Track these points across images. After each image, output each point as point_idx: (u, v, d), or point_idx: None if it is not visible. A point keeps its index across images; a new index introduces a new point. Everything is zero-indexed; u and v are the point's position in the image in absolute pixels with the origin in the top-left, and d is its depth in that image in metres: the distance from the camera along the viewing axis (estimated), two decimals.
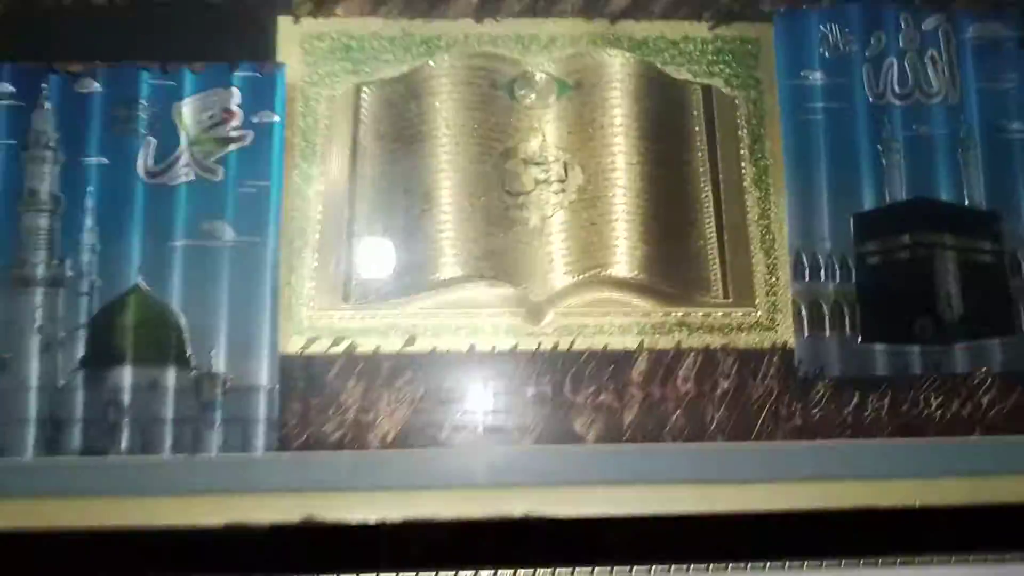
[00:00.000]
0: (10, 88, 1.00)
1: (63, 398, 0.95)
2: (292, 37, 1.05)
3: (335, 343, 0.99)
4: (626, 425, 1.00)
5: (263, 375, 0.97)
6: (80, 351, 0.96)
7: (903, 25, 1.11)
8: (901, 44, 1.11)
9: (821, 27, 1.10)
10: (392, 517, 0.93)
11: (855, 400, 1.02)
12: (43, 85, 1.00)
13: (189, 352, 0.96)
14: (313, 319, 1.00)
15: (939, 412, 1.03)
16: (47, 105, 1.00)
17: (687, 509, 0.97)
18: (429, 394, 0.99)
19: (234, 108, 1.01)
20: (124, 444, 0.94)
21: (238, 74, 1.02)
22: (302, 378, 0.98)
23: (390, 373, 0.99)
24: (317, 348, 0.99)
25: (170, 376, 0.96)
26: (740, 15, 1.10)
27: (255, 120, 1.01)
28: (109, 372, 0.96)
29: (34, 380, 0.95)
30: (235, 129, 1.01)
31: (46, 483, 0.93)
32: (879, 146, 1.08)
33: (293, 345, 0.99)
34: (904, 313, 1.05)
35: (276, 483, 0.94)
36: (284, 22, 1.05)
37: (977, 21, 1.12)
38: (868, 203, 1.07)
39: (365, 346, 1.00)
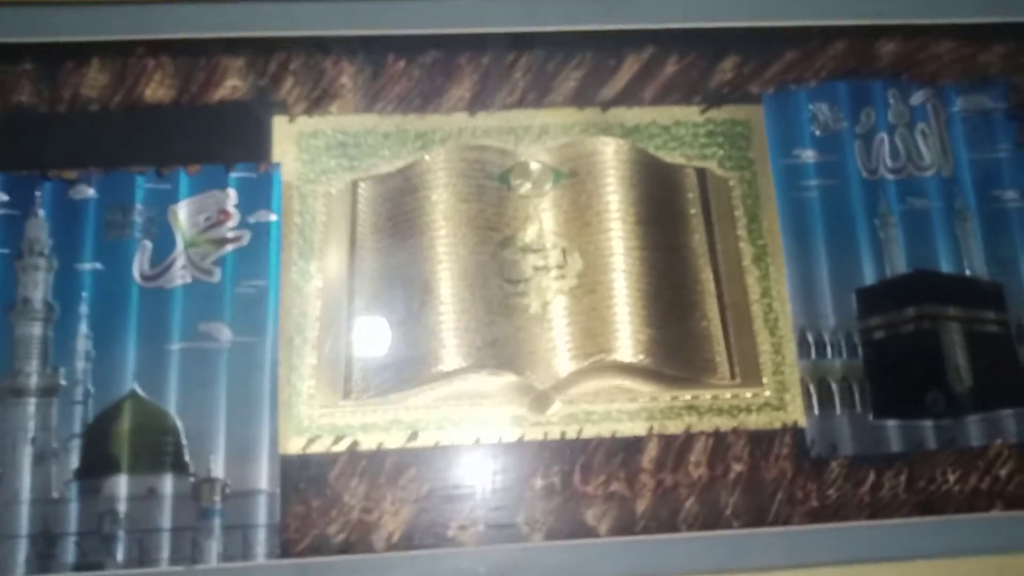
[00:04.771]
0: (4, 197, 1.00)
1: (57, 511, 0.92)
2: (287, 136, 1.06)
3: (336, 441, 0.97)
4: (639, 515, 0.97)
5: (263, 478, 0.94)
6: (75, 461, 0.93)
7: (891, 101, 1.13)
8: (890, 119, 1.12)
9: (810, 106, 1.11)
10: None
11: (871, 479, 1.00)
12: (37, 192, 1.00)
13: (187, 458, 0.94)
14: (313, 417, 0.97)
15: (958, 488, 1.00)
16: (41, 212, 1.00)
17: None
18: (434, 491, 0.97)
19: (230, 209, 1.01)
20: (120, 557, 0.91)
21: (233, 175, 1.02)
22: (304, 479, 0.95)
23: (393, 470, 0.97)
24: (318, 447, 0.97)
25: (167, 483, 0.93)
26: (729, 98, 1.11)
27: (251, 220, 1.00)
28: (104, 482, 0.93)
29: (26, 494, 0.92)
30: (231, 230, 1.00)
31: None
32: (876, 220, 1.08)
33: (294, 445, 0.96)
34: (914, 387, 1.04)
35: None
36: (279, 122, 1.06)
37: (963, 94, 1.14)
38: (869, 278, 1.06)
39: (367, 443, 0.97)
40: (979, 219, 1.09)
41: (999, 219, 1.10)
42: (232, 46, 1.07)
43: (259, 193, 1.01)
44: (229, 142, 1.05)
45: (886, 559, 0.96)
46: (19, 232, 0.99)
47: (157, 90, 1.06)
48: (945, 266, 1.08)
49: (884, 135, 1.11)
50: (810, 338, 1.04)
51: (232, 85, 1.07)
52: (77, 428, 0.94)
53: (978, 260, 1.08)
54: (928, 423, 1.02)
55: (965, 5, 1.16)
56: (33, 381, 0.95)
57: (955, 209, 1.10)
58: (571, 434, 0.99)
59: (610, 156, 1.07)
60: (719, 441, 1.00)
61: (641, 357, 1.00)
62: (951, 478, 1.01)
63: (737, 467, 0.99)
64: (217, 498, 0.93)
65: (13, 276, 0.98)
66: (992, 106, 1.14)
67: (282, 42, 1.08)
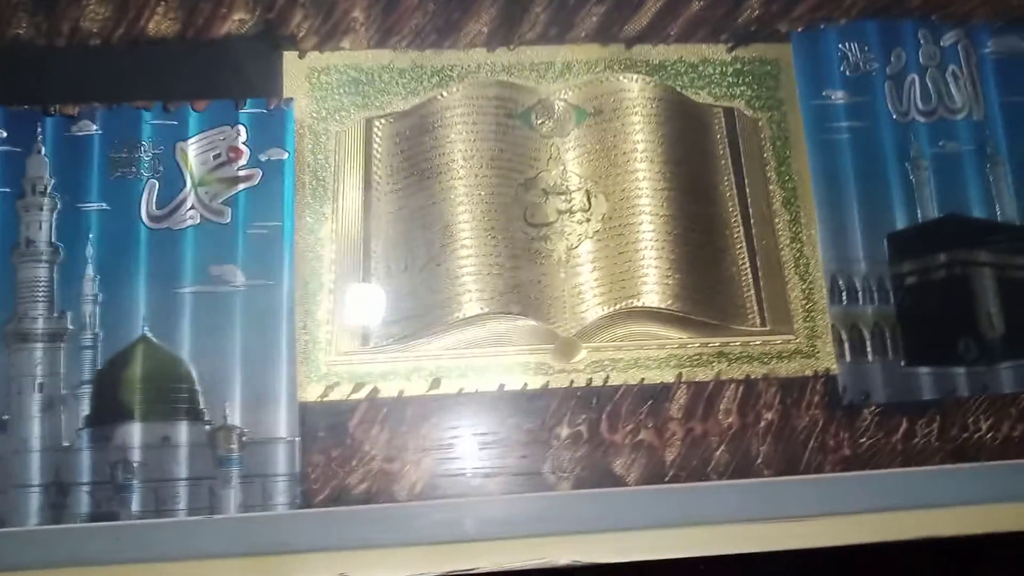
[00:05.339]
0: (3, 133, 0.95)
1: (68, 460, 0.88)
2: (298, 72, 1.01)
3: (356, 389, 0.94)
4: (668, 464, 0.94)
5: (282, 426, 0.90)
6: (85, 409, 0.90)
7: (922, 41, 1.09)
8: (921, 60, 1.08)
9: (840, 46, 1.07)
10: (429, 572, 0.86)
11: (904, 426, 0.98)
12: (38, 129, 0.95)
13: (202, 405, 0.90)
14: (331, 364, 0.94)
15: (990, 435, 0.99)
16: (42, 149, 0.95)
17: (738, 549, 0.91)
18: (458, 439, 0.94)
19: (240, 146, 0.96)
20: (135, 507, 0.88)
21: (244, 111, 0.97)
22: (322, 428, 0.92)
23: (416, 418, 0.94)
24: (337, 395, 0.93)
25: (182, 431, 0.89)
26: (757, 36, 1.07)
27: (263, 158, 0.96)
28: (116, 430, 0.89)
29: (36, 442, 0.88)
30: (242, 168, 0.96)
31: (52, 553, 0.86)
32: (907, 164, 1.05)
33: (311, 393, 0.93)
34: (946, 334, 1.01)
35: (302, 542, 0.88)
36: (289, 57, 1.01)
37: (995, 35, 1.10)
38: (900, 222, 1.03)
39: (388, 390, 0.94)
40: (1011, 163, 1.06)
41: None
42: None
43: (270, 130, 0.97)
44: (237, 78, 1.00)
45: (919, 507, 0.94)
46: (20, 170, 0.94)
47: (161, 23, 1.01)
48: (977, 211, 1.05)
49: (915, 76, 1.08)
50: (841, 284, 1.01)
51: (239, 18, 1.02)
52: (86, 374, 0.90)
53: (1010, 205, 1.05)
54: (960, 370, 1.00)
55: None
56: (39, 325, 0.91)
57: (987, 153, 1.07)
58: (597, 381, 0.96)
59: (636, 94, 1.03)
60: (749, 388, 0.97)
61: (669, 302, 0.97)
62: (984, 425, 0.99)
63: (768, 415, 0.97)
64: (234, 446, 0.89)
65: (15, 216, 0.93)
66: None
67: None
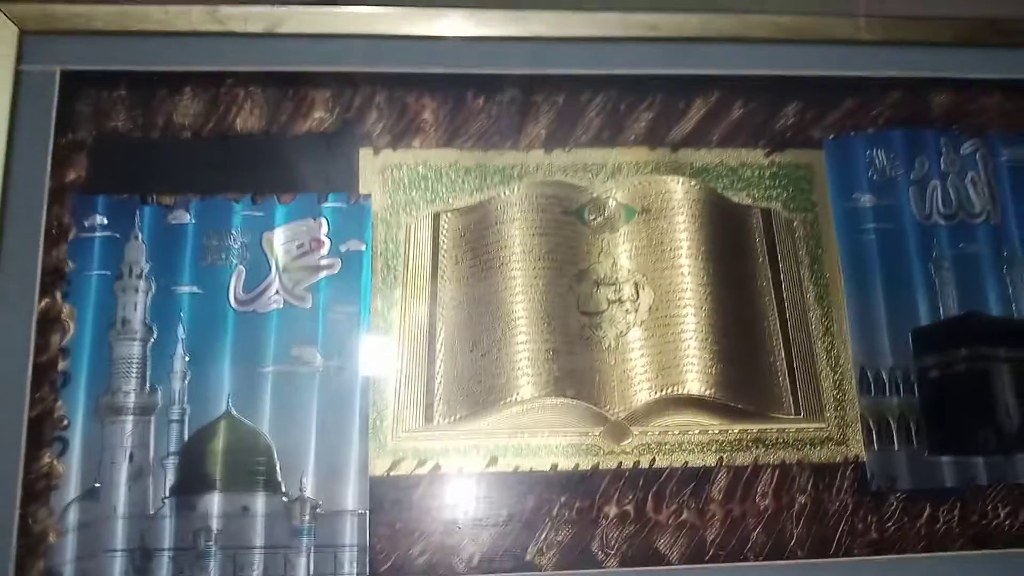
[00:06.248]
0: (104, 220, 1.03)
1: (153, 526, 0.95)
2: (373, 168, 1.09)
3: (419, 465, 1.01)
4: (709, 543, 1.01)
5: (351, 499, 0.97)
6: (171, 478, 0.96)
7: (943, 149, 1.18)
8: (943, 167, 1.17)
9: (868, 152, 1.17)
10: None
11: (927, 512, 1.04)
12: (136, 217, 1.04)
13: (279, 477, 0.97)
14: (397, 441, 1.01)
15: (1008, 522, 1.05)
16: (140, 236, 1.03)
17: None
18: (513, 515, 1.00)
19: (323, 237, 1.04)
20: (214, 573, 0.94)
21: (326, 204, 1.06)
22: (388, 500, 0.99)
23: (474, 494, 1.00)
24: (402, 470, 1.00)
25: (260, 502, 0.96)
26: (792, 142, 1.16)
27: (343, 249, 1.04)
28: (199, 499, 0.96)
29: (123, 509, 0.95)
30: (324, 258, 1.04)
31: None
32: (930, 264, 1.13)
33: (379, 467, 1.00)
34: (967, 425, 1.08)
35: None
36: (365, 154, 1.10)
37: (1010, 145, 1.19)
38: (924, 318, 1.11)
39: (448, 467, 1.01)
40: None
41: None
42: (318, 79, 1.11)
43: (350, 223, 1.05)
44: (317, 172, 1.08)
45: None
46: (118, 254, 1.02)
47: (247, 120, 1.10)
48: (995, 310, 1.13)
49: (937, 182, 1.17)
50: (870, 375, 1.08)
51: (319, 117, 1.11)
52: (173, 446, 0.97)
53: None
54: (980, 459, 1.07)
55: (1011, 62, 1.21)
56: (132, 399, 0.98)
57: (1003, 255, 1.15)
58: (644, 464, 1.03)
59: (681, 195, 1.11)
60: (784, 473, 1.04)
61: (712, 391, 1.04)
62: (1002, 513, 1.05)
63: (801, 499, 1.03)
64: (308, 517, 0.96)
65: (112, 296, 1.01)
66: None
67: (367, 77, 1.12)
